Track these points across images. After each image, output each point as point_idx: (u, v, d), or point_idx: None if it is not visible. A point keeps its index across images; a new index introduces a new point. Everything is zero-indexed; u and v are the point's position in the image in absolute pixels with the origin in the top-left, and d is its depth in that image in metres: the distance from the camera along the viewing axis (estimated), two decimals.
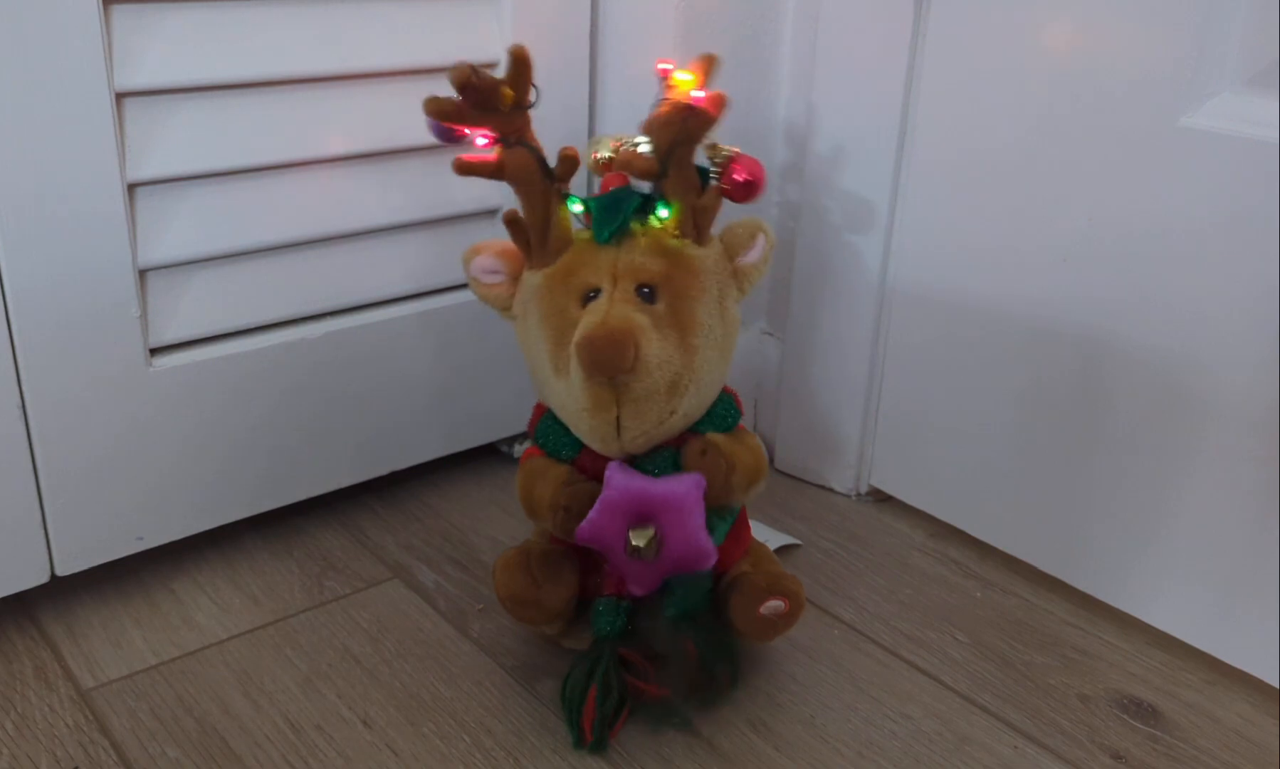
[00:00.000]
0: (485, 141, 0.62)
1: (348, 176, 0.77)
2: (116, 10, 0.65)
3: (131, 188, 0.68)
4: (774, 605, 0.65)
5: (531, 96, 0.61)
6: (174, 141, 0.69)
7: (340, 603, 0.76)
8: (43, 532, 0.70)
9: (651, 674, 0.64)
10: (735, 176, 0.62)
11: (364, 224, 0.78)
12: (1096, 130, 0.72)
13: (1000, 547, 0.84)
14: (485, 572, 0.80)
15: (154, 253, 0.69)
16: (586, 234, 0.63)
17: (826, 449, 0.93)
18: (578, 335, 0.59)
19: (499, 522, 0.87)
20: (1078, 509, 0.78)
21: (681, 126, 0.60)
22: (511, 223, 0.63)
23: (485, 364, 0.87)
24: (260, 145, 0.72)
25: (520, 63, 0.60)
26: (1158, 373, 0.72)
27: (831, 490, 0.94)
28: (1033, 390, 0.79)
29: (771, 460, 0.97)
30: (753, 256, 0.64)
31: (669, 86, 0.62)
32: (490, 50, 0.81)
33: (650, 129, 0.62)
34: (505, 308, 0.66)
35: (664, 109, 0.61)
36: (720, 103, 0.61)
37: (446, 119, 0.60)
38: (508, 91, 0.60)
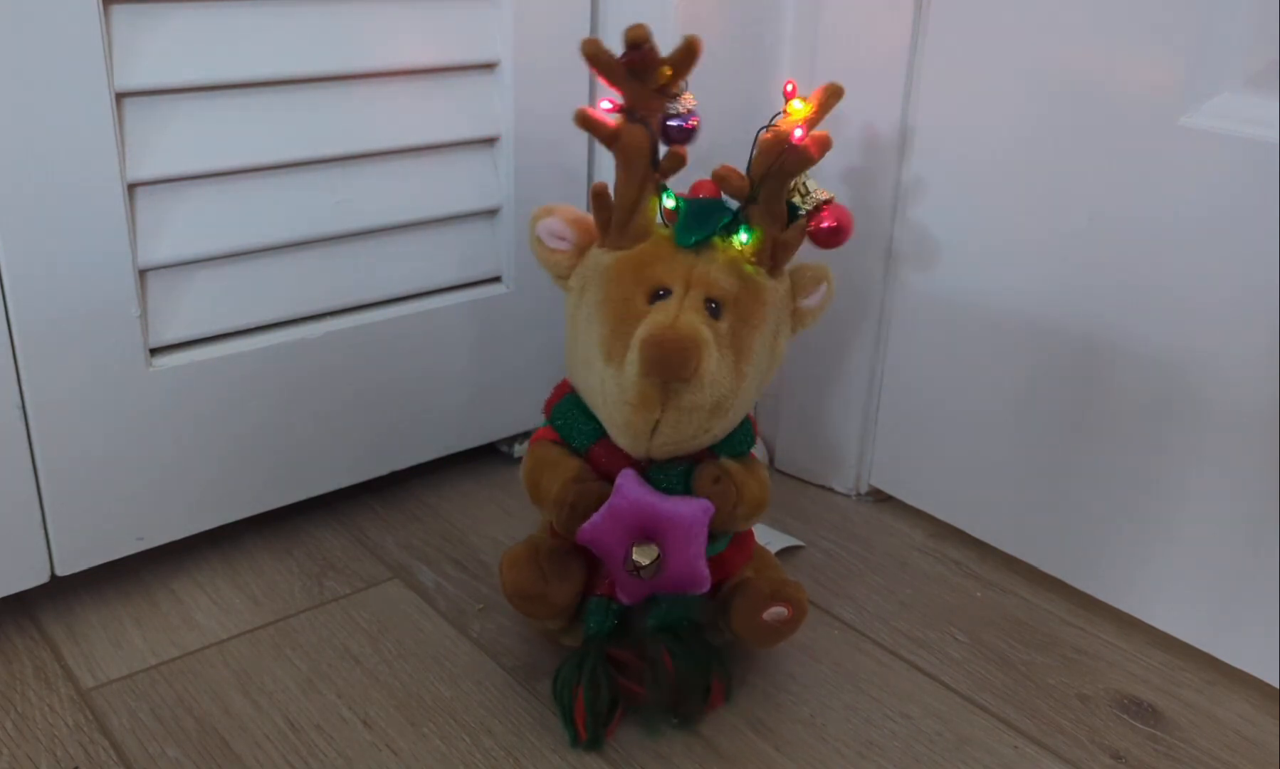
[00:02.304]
0: (610, 106, 0.61)
1: (348, 176, 0.77)
2: (116, 10, 0.65)
3: (131, 188, 0.68)
4: (777, 612, 0.65)
5: (680, 88, 0.61)
6: (174, 141, 0.69)
7: (340, 603, 0.76)
8: (43, 532, 0.70)
9: (641, 674, 0.64)
10: (824, 222, 0.64)
11: (364, 224, 0.78)
12: (1096, 130, 0.72)
13: (1000, 547, 0.84)
14: (485, 572, 0.80)
15: (154, 253, 0.69)
16: (666, 232, 0.63)
17: (826, 449, 0.93)
18: (644, 331, 0.58)
19: (499, 522, 0.87)
20: (1078, 509, 0.78)
21: (777, 159, 0.60)
22: (599, 195, 0.62)
23: (486, 364, 0.87)
24: (260, 145, 0.72)
25: (690, 52, 0.60)
26: (1158, 373, 0.72)
27: (832, 490, 0.94)
28: (1033, 390, 0.79)
29: (771, 460, 0.97)
30: (813, 301, 0.65)
31: (785, 111, 0.62)
32: (490, 50, 0.81)
33: (757, 152, 0.62)
34: (563, 276, 0.65)
35: (767, 136, 0.61)
36: (824, 145, 0.61)
37: (599, 67, 0.60)
38: (668, 71, 0.60)
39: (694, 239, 0.62)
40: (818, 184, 0.65)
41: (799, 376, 0.94)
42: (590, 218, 0.64)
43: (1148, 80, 0.69)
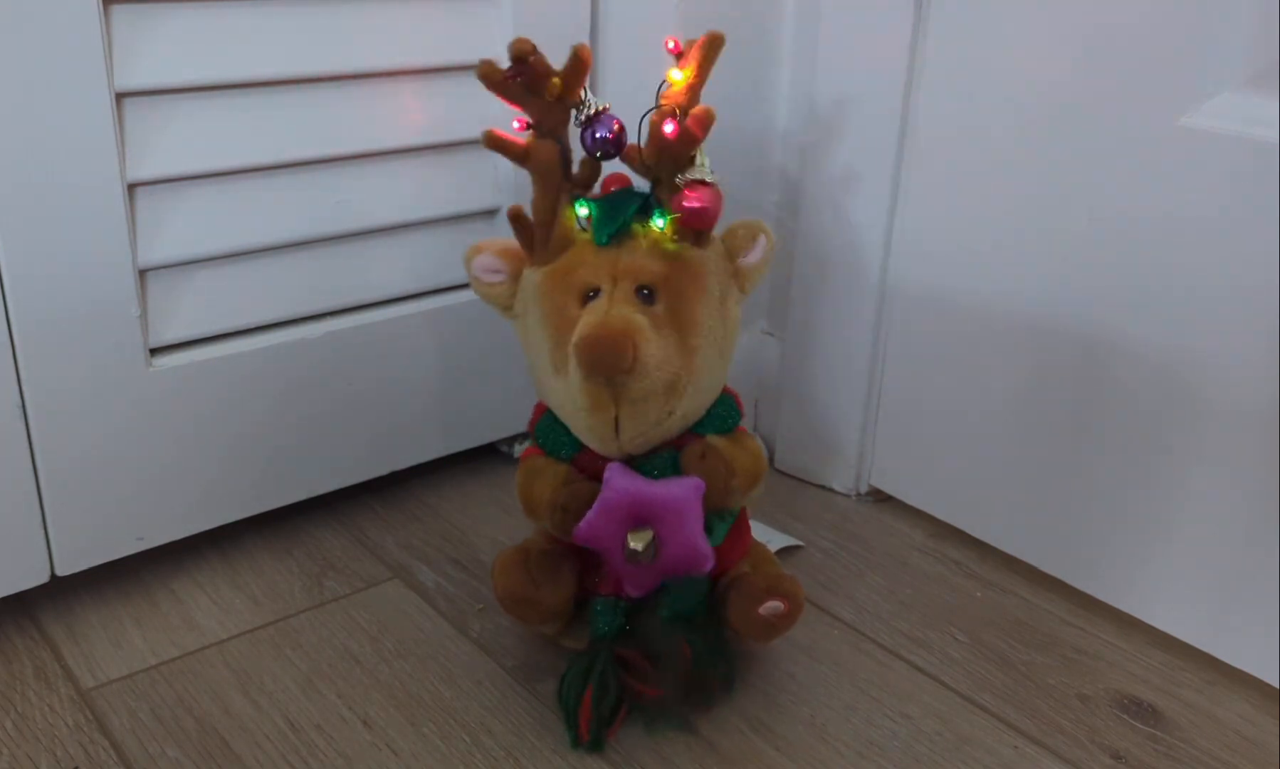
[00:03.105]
0: (519, 126, 0.62)
1: (348, 176, 0.77)
2: (116, 10, 0.65)
3: (131, 188, 0.68)
4: (773, 606, 0.65)
5: (581, 95, 0.61)
6: (174, 141, 0.69)
7: (340, 603, 0.76)
8: (43, 532, 0.70)
9: (649, 674, 0.64)
10: (691, 203, 0.61)
11: (364, 224, 0.78)
12: (1096, 130, 0.72)
13: (1000, 547, 0.84)
14: (485, 572, 0.80)
15: (154, 253, 0.69)
16: (587, 235, 0.63)
17: (826, 449, 0.93)
18: (576, 335, 0.59)
19: (499, 522, 0.87)
20: (1078, 509, 0.78)
21: (663, 149, 0.60)
22: (516, 218, 0.63)
23: (485, 364, 0.87)
24: (260, 145, 0.72)
25: (580, 62, 0.60)
26: (1158, 373, 0.72)
27: (831, 490, 0.94)
28: (1033, 390, 0.79)
29: (771, 460, 0.97)
30: (754, 257, 0.64)
31: (666, 81, 0.62)
32: (490, 50, 0.81)
33: (647, 137, 0.62)
34: (506, 307, 0.66)
35: (654, 119, 0.61)
36: (706, 122, 0.60)
37: (493, 87, 0.60)
38: (557, 82, 0.60)
39: (609, 233, 0.62)
40: (707, 161, 0.62)
41: (799, 377, 0.94)
42: (518, 245, 0.65)
43: (1148, 80, 0.69)
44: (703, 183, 0.61)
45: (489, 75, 0.60)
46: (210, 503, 0.77)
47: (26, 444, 0.67)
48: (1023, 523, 0.81)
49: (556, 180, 0.62)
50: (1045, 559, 0.81)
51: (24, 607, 0.74)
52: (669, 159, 0.61)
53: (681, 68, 0.61)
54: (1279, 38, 0.64)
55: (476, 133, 0.62)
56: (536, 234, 0.63)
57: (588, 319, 0.59)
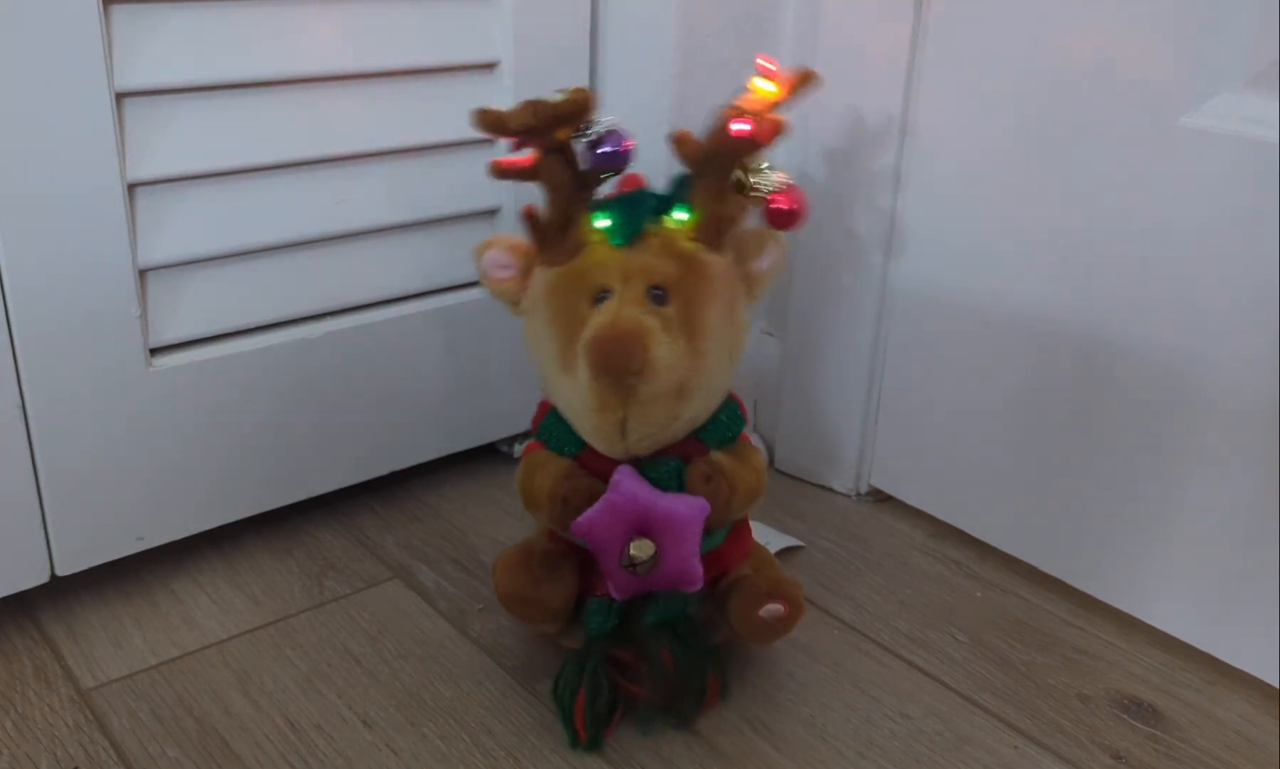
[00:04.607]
0: (517, 143, 0.62)
1: (348, 176, 0.77)
2: (116, 10, 0.65)
3: (131, 188, 0.68)
4: (773, 609, 0.65)
5: (587, 122, 0.61)
6: (174, 141, 0.69)
7: (340, 603, 0.76)
8: (43, 532, 0.70)
9: (640, 675, 0.64)
10: (780, 204, 0.63)
11: (364, 224, 0.78)
12: (1096, 130, 0.72)
13: (1000, 547, 0.84)
14: (485, 572, 0.80)
15: (154, 253, 0.69)
16: (601, 235, 0.63)
17: (826, 449, 0.93)
18: (586, 335, 0.59)
19: (499, 522, 0.87)
20: (1078, 509, 0.78)
21: (729, 140, 0.60)
22: (529, 217, 0.63)
23: (486, 364, 0.87)
24: (260, 145, 0.72)
25: (581, 106, 0.60)
26: (1158, 373, 0.72)
27: (831, 490, 0.94)
28: (1033, 390, 0.79)
29: (771, 460, 0.97)
30: (764, 263, 0.64)
31: (750, 88, 0.62)
32: (490, 50, 0.81)
33: (714, 127, 0.62)
34: (514, 303, 0.66)
35: (721, 117, 0.61)
36: (776, 131, 0.61)
37: (497, 134, 0.61)
38: (563, 134, 0.60)
39: (627, 234, 0.62)
40: (771, 166, 0.64)
41: (799, 377, 0.94)
42: (526, 241, 0.65)
43: (1148, 80, 0.69)
44: (792, 187, 0.63)
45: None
46: (210, 503, 0.77)
47: (26, 444, 0.67)
48: (1023, 523, 0.81)
49: (569, 191, 0.62)
50: (1045, 559, 0.81)
51: (24, 607, 0.74)
52: (723, 157, 0.61)
53: (771, 80, 0.61)
54: (1278, 37, 0.64)
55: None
56: (549, 236, 0.63)
57: (598, 320, 0.59)
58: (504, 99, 0.82)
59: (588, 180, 0.62)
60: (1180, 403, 0.71)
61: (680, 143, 0.61)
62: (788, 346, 0.94)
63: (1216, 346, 0.69)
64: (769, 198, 0.63)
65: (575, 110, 0.60)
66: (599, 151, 0.61)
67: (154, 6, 0.67)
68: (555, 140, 0.61)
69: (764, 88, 0.61)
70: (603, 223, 0.62)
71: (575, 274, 0.62)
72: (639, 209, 0.62)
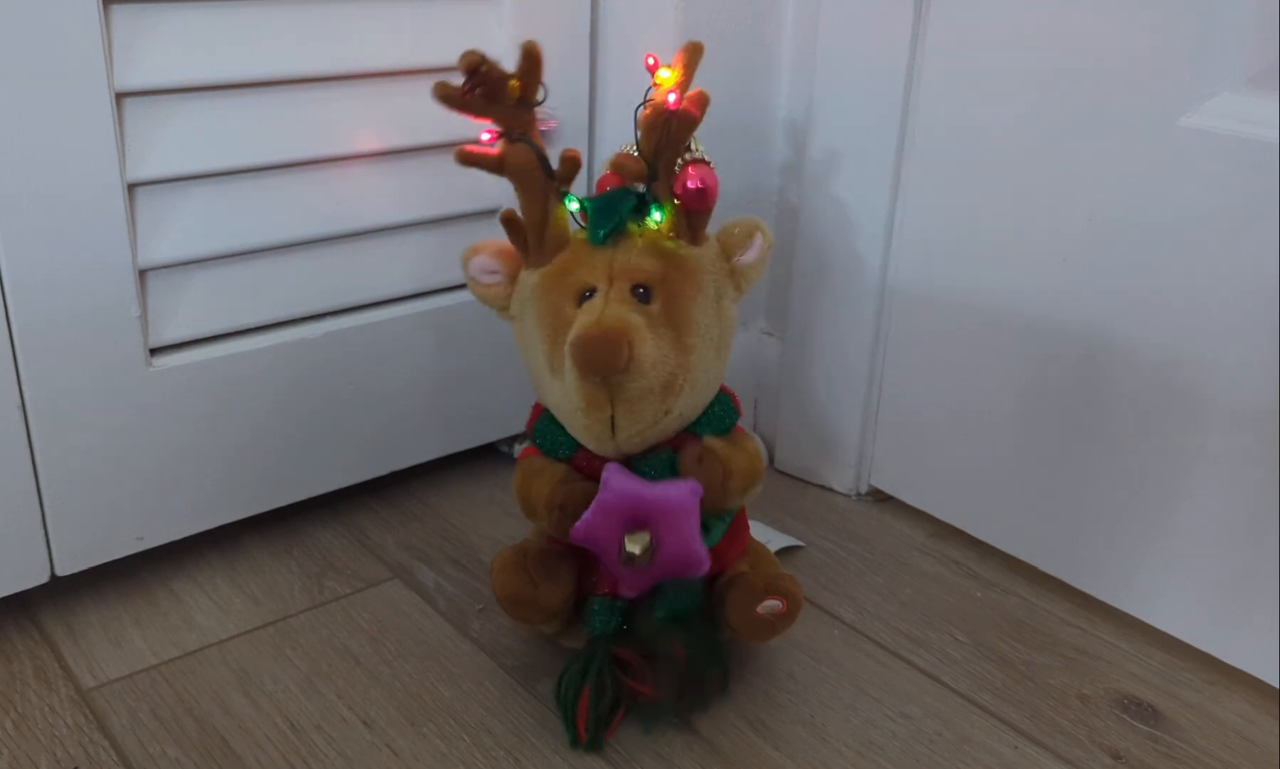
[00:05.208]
0: (489, 136, 0.62)
1: (348, 176, 0.77)
2: (116, 10, 0.65)
3: (131, 188, 0.68)
4: (771, 605, 0.65)
5: (539, 94, 0.61)
6: (174, 141, 0.69)
7: (340, 603, 0.76)
8: (43, 532, 0.70)
9: (647, 674, 0.64)
10: (688, 182, 0.61)
11: (364, 224, 0.78)
12: (1096, 130, 0.72)
13: (1000, 547, 0.84)
14: (485, 572, 0.80)
15: (154, 253, 0.69)
16: (583, 234, 0.63)
17: (826, 449, 0.93)
18: (572, 335, 0.59)
19: (499, 522, 0.87)
20: (1078, 509, 0.78)
21: (664, 131, 0.60)
22: (508, 222, 0.63)
23: (485, 364, 0.87)
24: (260, 145, 0.72)
25: (531, 58, 0.60)
26: (1158, 373, 0.72)
27: (831, 490, 0.94)
28: (1033, 390, 0.79)
29: (771, 460, 0.97)
30: (750, 256, 0.64)
31: (654, 84, 0.62)
32: (491, 50, 0.80)
33: (642, 131, 0.62)
34: (503, 308, 0.66)
35: (648, 112, 0.61)
36: (702, 102, 0.60)
37: (454, 106, 0.60)
38: (515, 84, 0.60)
39: (605, 232, 0.62)
40: (702, 146, 0.63)
41: (799, 377, 0.94)
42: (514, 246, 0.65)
43: (1147, 80, 0.69)
44: (702, 162, 0.62)
45: (447, 96, 0.60)
46: (210, 503, 0.77)
47: (26, 444, 0.67)
48: (1023, 523, 0.81)
49: (538, 182, 0.62)
50: (1045, 559, 0.81)
51: (24, 607, 0.74)
52: (668, 142, 0.61)
53: (666, 67, 0.61)
54: (1278, 38, 0.64)
55: (475, 133, 0.62)
56: (529, 237, 0.63)
57: (583, 319, 0.59)
58: None
59: (558, 171, 0.62)
60: (1180, 403, 0.71)
61: (621, 168, 0.61)
62: (787, 346, 0.94)
63: (1216, 347, 0.69)
64: (684, 174, 0.61)
65: (525, 63, 0.60)
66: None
67: (154, 6, 0.67)
68: (521, 124, 0.60)
69: (666, 76, 0.61)
70: (573, 205, 0.62)
71: (561, 274, 0.62)
72: (617, 205, 0.62)
